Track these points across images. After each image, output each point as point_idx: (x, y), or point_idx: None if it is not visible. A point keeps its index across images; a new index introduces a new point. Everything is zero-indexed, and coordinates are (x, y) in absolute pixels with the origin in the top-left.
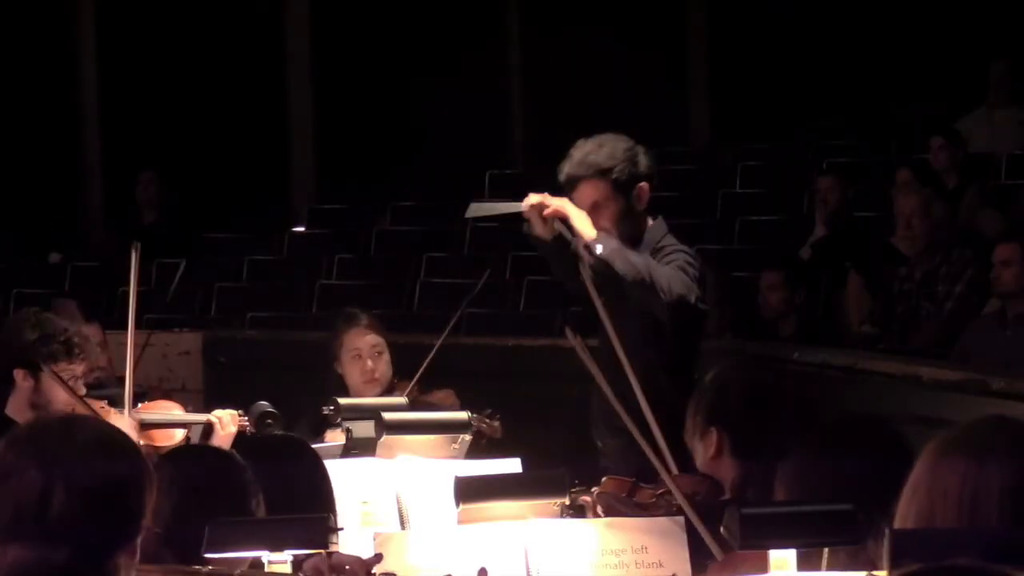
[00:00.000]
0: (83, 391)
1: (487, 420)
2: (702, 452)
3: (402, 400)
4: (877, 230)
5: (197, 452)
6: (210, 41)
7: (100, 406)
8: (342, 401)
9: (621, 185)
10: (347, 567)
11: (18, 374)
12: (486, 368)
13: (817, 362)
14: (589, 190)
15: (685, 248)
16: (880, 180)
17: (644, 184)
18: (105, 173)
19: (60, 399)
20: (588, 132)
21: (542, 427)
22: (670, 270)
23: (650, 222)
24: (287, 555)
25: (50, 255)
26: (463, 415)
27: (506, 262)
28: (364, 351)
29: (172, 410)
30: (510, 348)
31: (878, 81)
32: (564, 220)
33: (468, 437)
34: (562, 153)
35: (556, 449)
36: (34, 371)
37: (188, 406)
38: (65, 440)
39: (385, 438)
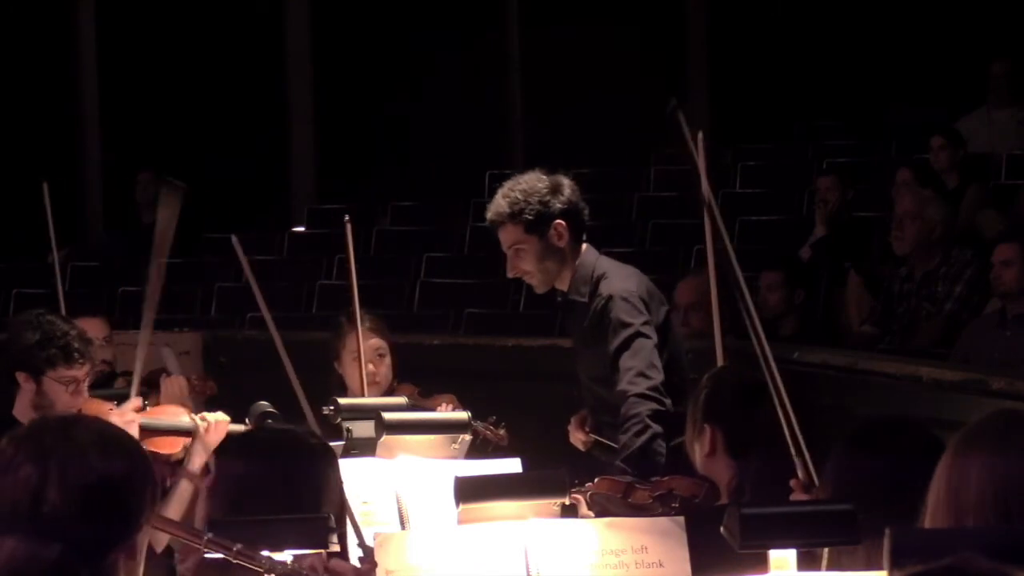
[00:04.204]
0: (86, 394)
1: (492, 428)
2: (699, 451)
3: (402, 400)
4: (877, 230)
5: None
6: (210, 41)
7: (109, 408)
8: (342, 401)
9: (533, 226)
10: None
11: (20, 376)
12: (486, 368)
13: (817, 362)
14: (505, 235)
15: (625, 293)
16: (880, 180)
17: (560, 222)
18: (105, 173)
19: (62, 402)
20: (588, 132)
21: (542, 427)
22: (631, 389)
23: (583, 248)
24: (287, 555)
25: (50, 255)
26: (463, 415)
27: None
28: (366, 353)
29: (180, 415)
30: (510, 348)
31: (878, 81)
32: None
33: (468, 437)
34: (562, 153)
35: (556, 449)
36: (35, 374)
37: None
38: (62, 437)
39: (385, 438)
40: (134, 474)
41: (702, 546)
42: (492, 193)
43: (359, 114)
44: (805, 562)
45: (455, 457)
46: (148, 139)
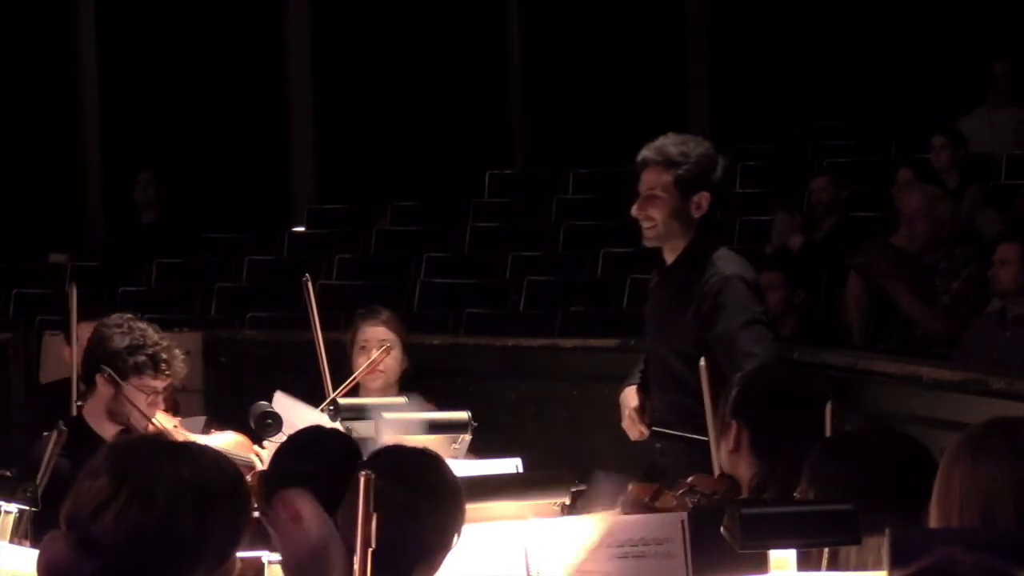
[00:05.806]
0: (162, 406)
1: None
2: (723, 447)
3: (402, 400)
4: (877, 230)
5: None
6: (210, 41)
7: (174, 425)
8: (342, 401)
9: (683, 183)
10: None
11: (99, 379)
12: (486, 368)
13: (817, 362)
14: (652, 176)
15: (748, 278)
16: (880, 180)
17: (706, 193)
18: (105, 173)
19: (136, 412)
20: (587, 132)
21: (542, 427)
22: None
23: (719, 250)
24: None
25: (50, 255)
26: (463, 415)
27: (506, 262)
28: (371, 343)
29: (241, 444)
30: (510, 348)
31: (878, 81)
32: None
33: (468, 437)
34: (561, 153)
35: (556, 449)
36: (115, 379)
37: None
38: (152, 469)
39: (385, 438)
40: (196, 537)
41: (702, 546)
42: (492, 193)
43: (359, 114)
44: (804, 562)
45: (455, 457)
46: (148, 139)
